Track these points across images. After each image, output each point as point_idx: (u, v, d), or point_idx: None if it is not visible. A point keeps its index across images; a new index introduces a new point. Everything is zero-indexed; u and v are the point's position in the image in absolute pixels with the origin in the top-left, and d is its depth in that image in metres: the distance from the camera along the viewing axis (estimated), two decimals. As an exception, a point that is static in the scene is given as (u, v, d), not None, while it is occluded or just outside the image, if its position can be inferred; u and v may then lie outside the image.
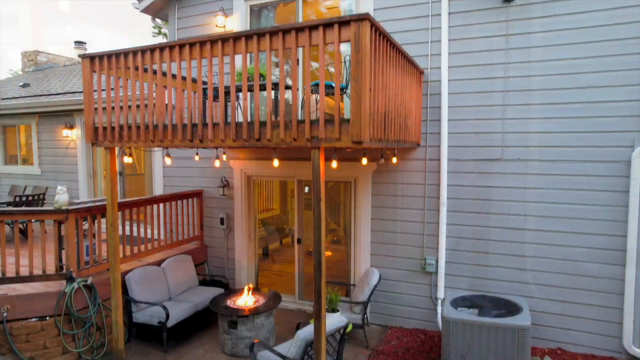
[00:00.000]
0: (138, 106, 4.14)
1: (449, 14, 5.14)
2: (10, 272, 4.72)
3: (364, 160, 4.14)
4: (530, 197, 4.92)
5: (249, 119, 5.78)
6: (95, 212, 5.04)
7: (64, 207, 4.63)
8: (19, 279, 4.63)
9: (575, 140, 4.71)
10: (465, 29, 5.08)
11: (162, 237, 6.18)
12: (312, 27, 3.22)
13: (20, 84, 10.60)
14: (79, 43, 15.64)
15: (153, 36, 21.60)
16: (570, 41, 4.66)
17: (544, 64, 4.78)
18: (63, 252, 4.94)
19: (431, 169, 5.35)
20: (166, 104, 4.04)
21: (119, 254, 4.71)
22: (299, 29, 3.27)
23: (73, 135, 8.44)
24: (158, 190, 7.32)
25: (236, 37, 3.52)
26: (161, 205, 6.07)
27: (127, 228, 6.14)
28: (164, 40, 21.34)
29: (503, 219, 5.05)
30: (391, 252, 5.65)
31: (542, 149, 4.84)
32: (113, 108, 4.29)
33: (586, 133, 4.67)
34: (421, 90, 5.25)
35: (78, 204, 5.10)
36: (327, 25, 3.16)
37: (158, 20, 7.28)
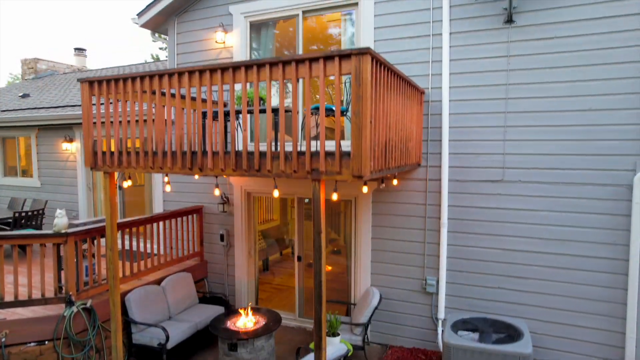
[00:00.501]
0: (137, 121, 4.12)
1: (450, 33, 5.11)
2: (9, 295, 4.70)
3: (365, 189, 4.12)
4: (531, 219, 4.90)
5: (249, 146, 5.80)
6: (94, 233, 5.02)
7: (62, 231, 4.61)
8: (17, 303, 4.61)
9: (577, 162, 4.68)
10: (466, 50, 5.06)
11: (162, 252, 6.16)
12: (313, 60, 3.20)
13: (20, 94, 10.58)
14: (79, 50, 15.65)
15: (153, 41, 21.58)
16: (571, 64, 4.64)
17: (545, 85, 4.75)
18: (62, 272, 4.92)
19: (432, 189, 5.33)
20: (165, 121, 4.01)
21: (119, 277, 4.69)
22: (299, 61, 3.25)
23: (73, 149, 8.42)
24: (158, 203, 7.30)
25: (236, 67, 3.50)
26: (161, 223, 6.05)
27: (127, 242, 6.15)
28: (164, 45, 21.35)
29: (504, 240, 5.03)
30: (392, 272, 5.62)
31: (543, 171, 4.82)
32: (112, 123, 4.26)
33: (587, 156, 4.64)
34: (422, 110, 5.23)
35: (77, 225, 5.08)
36: (328, 57, 3.14)
37: (160, 42, 7.25)
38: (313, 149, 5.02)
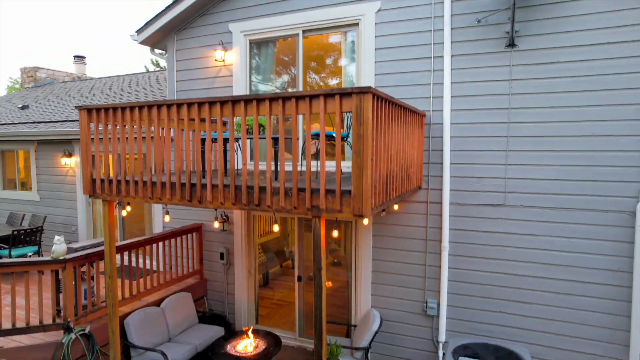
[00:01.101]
0: (136, 140, 4.09)
1: (452, 56, 5.07)
2: (7, 320, 4.66)
3: (365, 221, 4.07)
4: (533, 244, 4.86)
5: (249, 165, 5.77)
6: (93, 258, 4.98)
7: (61, 258, 4.58)
8: (15, 330, 4.57)
9: (579, 188, 4.65)
10: (467, 72, 5.02)
11: (161, 269, 6.13)
12: (313, 96, 3.16)
13: (20, 105, 10.54)
14: (79, 57, 15.62)
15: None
16: (574, 89, 4.60)
17: (548, 110, 4.71)
18: (61, 295, 4.88)
19: (433, 212, 5.29)
20: (163, 138, 3.97)
21: (118, 304, 4.65)
22: (299, 97, 3.21)
23: (72, 163, 8.38)
24: (158, 217, 7.27)
25: (235, 101, 3.46)
26: (160, 243, 6.01)
27: (127, 258, 6.11)
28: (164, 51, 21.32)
29: (506, 264, 4.99)
30: (392, 294, 5.59)
31: (545, 196, 4.78)
32: (111, 148, 4.23)
33: (590, 182, 4.60)
34: (423, 133, 5.19)
35: (76, 249, 5.04)
36: (328, 95, 3.11)
37: (157, 50, 7.22)
38: (313, 169, 5.00)
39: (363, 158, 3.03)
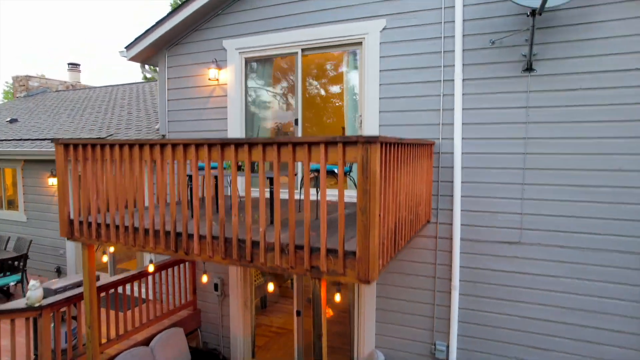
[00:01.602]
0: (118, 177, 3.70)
1: (463, 80, 4.68)
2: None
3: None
4: (552, 286, 4.47)
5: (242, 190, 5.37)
6: (75, 300, 4.59)
7: (37, 304, 4.19)
8: (-13, 385, 4.19)
9: (603, 227, 4.25)
10: (480, 98, 4.63)
11: (150, 297, 5.71)
12: (312, 144, 2.77)
13: (8, 119, 10.15)
14: (73, 65, 15.24)
15: (142, 73, 21.09)
16: (598, 118, 4.20)
17: (569, 141, 4.32)
18: (38, 339, 4.49)
19: (442, 248, 4.90)
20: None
21: (98, 356, 4.26)
22: (297, 144, 2.82)
23: (59, 183, 7.98)
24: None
25: (225, 144, 3.07)
26: (150, 277, 5.61)
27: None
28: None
29: (522, 307, 4.60)
30: (398, 334, 5.19)
31: (566, 234, 4.39)
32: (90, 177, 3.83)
33: (615, 220, 4.21)
34: (432, 163, 4.80)
35: (56, 290, 4.66)
36: (330, 143, 2.71)
37: (148, 67, 6.82)
38: (312, 197, 4.60)
39: (369, 216, 2.63)
